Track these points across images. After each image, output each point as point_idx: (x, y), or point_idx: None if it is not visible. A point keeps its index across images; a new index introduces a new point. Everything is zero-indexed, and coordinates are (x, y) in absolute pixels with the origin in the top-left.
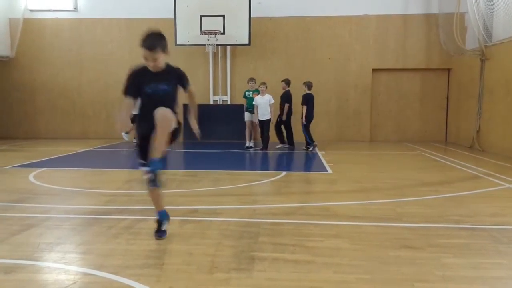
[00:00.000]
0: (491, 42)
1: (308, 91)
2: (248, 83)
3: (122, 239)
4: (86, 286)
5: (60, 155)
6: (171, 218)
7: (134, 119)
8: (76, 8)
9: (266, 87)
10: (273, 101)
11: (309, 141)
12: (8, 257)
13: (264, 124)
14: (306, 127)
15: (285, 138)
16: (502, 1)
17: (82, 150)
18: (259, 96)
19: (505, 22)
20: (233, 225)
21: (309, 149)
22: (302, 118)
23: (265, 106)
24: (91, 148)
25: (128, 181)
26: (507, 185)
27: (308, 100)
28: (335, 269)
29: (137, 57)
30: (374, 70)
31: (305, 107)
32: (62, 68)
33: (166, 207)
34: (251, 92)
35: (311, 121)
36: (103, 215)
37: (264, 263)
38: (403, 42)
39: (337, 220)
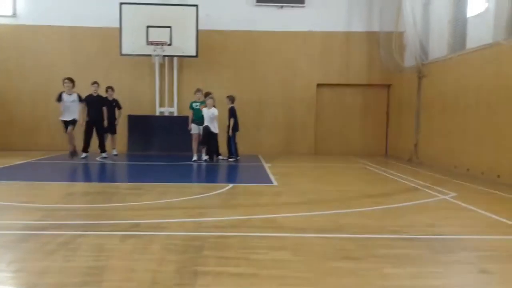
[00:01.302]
0: (427, 60)
1: (232, 105)
2: (195, 94)
3: (58, 256)
4: None
5: None
6: (111, 233)
7: None
8: (15, 14)
9: (214, 100)
10: (216, 113)
11: (233, 152)
12: None
13: (213, 136)
14: (233, 139)
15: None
16: (436, 22)
17: (19, 162)
18: (205, 109)
19: (439, 42)
20: (177, 239)
21: (230, 160)
22: (228, 130)
23: (210, 118)
24: (30, 160)
25: (67, 194)
26: (443, 197)
27: (233, 113)
28: (279, 281)
29: (80, 67)
30: (318, 85)
31: (232, 120)
32: (0, 77)
33: (106, 221)
34: (198, 104)
35: (236, 132)
36: (38, 231)
37: (207, 277)
38: (347, 58)
39: (282, 232)
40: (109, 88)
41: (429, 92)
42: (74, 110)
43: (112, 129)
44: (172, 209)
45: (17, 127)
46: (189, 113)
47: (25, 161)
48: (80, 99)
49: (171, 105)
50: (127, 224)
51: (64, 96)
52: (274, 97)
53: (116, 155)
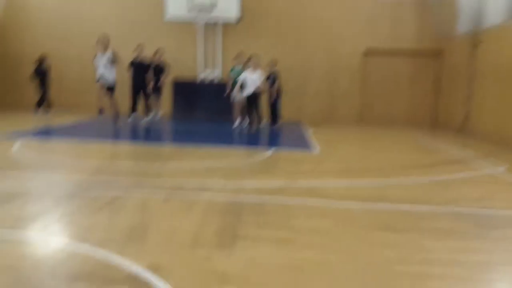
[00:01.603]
0: (483, 26)
1: (275, 68)
2: (235, 59)
3: (105, 213)
4: (67, 257)
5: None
6: (155, 194)
7: None
8: None
9: (259, 61)
10: (262, 76)
11: (277, 118)
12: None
13: (256, 100)
14: (279, 104)
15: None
16: None
17: (73, 121)
18: (249, 71)
19: (496, 6)
20: (218, 203)
21: (275, 126)
22: (272, 95)
23: (256, 82)
24: (82, 120)
25: (114, 154)
26: (492, 170)
27: (277, 77)
28: (316, 249)
29: (124, 34)
30: (365, 52)
31: (278, 82)
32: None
33: (150, 183)
34: (240, 69)
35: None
36: (88, 187)
37: (246, 241)
38: (396, 24)
39: (322, 201)
40: (158, 51)
41: (484, 60)
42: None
43: (157, 91)
44: (213, 172)
45: (66, 88)
46: (230, 79)
47: (78, 120)
48: (114, 58)
49: (215, 71)
50: (171, 184)
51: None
52: (318, 64)
53: (159, 118)
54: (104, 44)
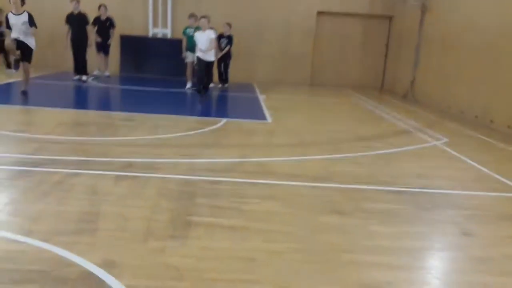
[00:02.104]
0: None
1: (230, 32)
2: (188, 18)
3: (52, 198)
4: (12, 255)
5: None
6: (105, 172)
7: None
8: None
9: (209, 21)
10: (212, 36)
11: (226, 79)
12: None
13: (209, 65)
14: (227, 66)
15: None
16: None
17: (10, 80)
18: (199, 32)
19: None
20: (171, 183)
21: (224, 86)
22: (225, 57)
23: (206, 43)
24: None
25: (59, 124)
26: (434, 142)
27: (232, 40)
28: (267, 236)
29: None
30: (319, 12)
31: (228, 47)
32: None
33: (99, 158)
34: (192, 30)
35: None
36: (32, 167)
37: (199, 229)
38: None
39: (273, 179)
40: (102, 6)
41: (432, 28)
42: (25, 34)
43: (105, 50)
44: (165, 147)
45: None
46: (183, 39)
47: (14, 80)
48: (31, 21)
49: (165, 27)
50: (120, 162)
51: (10, 16)
52: (272, 24)
53: (108, 76)
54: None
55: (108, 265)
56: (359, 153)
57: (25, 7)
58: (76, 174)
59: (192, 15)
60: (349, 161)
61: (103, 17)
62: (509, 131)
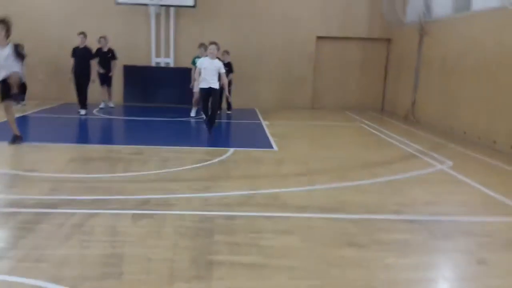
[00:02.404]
0: (430, 17)
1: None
2: (199, 48)
3: (75, 241)
4: None
5: None
6: (122, 211)
7: None
8: None
9: (218, 49)
10: (222, 68)
11: (231, 106)
12: None
13: (215, 92)
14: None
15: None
16: None
17: (16, 115)
18: (207, 58)
19: (444, 0)
20: (187, 219)
21: (228, 112)
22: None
23: (213, 72)
24: (25, 114)
25: (70, 160)
26: (439, 166)
27: (232, 67)
28: (288, 274)
29: (71, 16)
30: (318, 37)
31: (231, 75)
32: None
33: (115, 197)
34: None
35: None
36: (50, 209)
37: (222, 268)
38: (347, 11)
39: (286, 212)
40: (102, 38)
41: (430, 51)
42: (9, 68)
43: (107, 81)
44: (177, 181)
45: None
46: (192, 69)
47: (21, 114)
48: (18, 53)
49: (168, 56)
50: (136, 200)
51: None
52: (273, 49)
53: (112, 107)
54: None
55: None
56: (366, 181)
57: (30, 38)
58: (94, 215)
59: (202, 45)
60: (357, 189)
61: (104, 49)
62: None
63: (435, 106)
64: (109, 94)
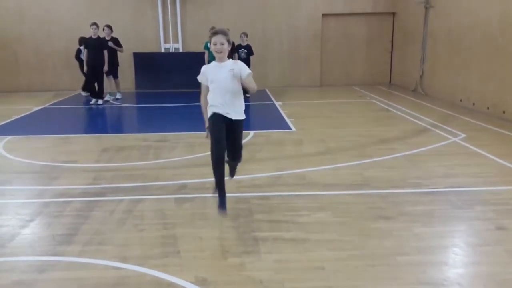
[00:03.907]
0: None
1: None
2: (210, 31)
3: (129, 225)
4: (121, 280)
5: (16, 116)
6: (165, 196)
7: None
8: None
9: (230, 43)
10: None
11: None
12: (31, 253)
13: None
14: None
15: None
16: None
17: (36, 108)
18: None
19: None
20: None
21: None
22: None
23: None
24: (46, 106)
25: (103, 150)
26: (453, 139)
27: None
28: (328, 246)
29: (81, 6)
30: (323, 14)
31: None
32: None
33: (154, 183)
34: None
35: None
36: (98, 197)
37: (267, 244)
38: None
39: (315, 190)
40: (106, 27)
41: (436, 23)
42: None
43: (112, 72)
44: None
45: (22, 66)
46: (205, 53)
47: (42, 107)
48: None
49: (176, 41)
50: (174, 185)
51: None
52: (279, 30)
53: (118, 99)
54: None
55: (202, 283)
56: (385, 157)
57: (40, 30)
58: (140, 200)
59: (213, 28)
60: (378, 165)
61: (107, 37)
62: None
63: (443, 78)
64: (116, 85)
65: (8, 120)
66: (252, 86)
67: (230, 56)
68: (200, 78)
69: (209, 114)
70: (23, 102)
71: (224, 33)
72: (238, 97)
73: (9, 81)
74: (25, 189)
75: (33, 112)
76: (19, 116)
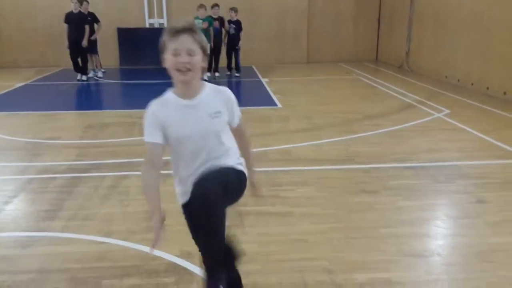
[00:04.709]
0: None
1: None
2: (197, 10)
3: (114, 201)
4: (105, 254)
5: None
6: None
7: None
8: None
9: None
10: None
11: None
12: (16, 229)
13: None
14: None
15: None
16: None
17: (19, 84)
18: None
19: None
20: None
21: (237, 75)
22: (237, 44)
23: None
24: (28, 82)
25: (88, 127)
26: (437, 115)
27: (241, 25)
28: (311, 219)
29: None
30: None
31: (242, 33)
32: None
33: (138, 159)
34: (201, 21)
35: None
36: (83, 173)
37: (251, 217)
38: None
39: (300, 165)
40: (84, 0)
41: (422, 1)
42: None
43: (91, 48)
44: None
45: (6, 42)
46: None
47: (24, 83)
48: None
49: (161, 17)
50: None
51: None
52: (265, 7)
53: (100, 77)
54: None
55: (186, 256)
56: (370, 132)
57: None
58: (124, 177)
59: (201, 6)
60: (364, 141)
61: (84, 12)
62: (505, 97)
63: (428, 55)
64: (97, 62)
65: None
66: (248, 136)
67: (220, 31)
68: (149, 134)
69: (180, 198)
70: (6, 79)
71: (193, 32)
72: (225, 140)
73: None
74: (8, 165)
75: (16, 88)
76: (1, 93)
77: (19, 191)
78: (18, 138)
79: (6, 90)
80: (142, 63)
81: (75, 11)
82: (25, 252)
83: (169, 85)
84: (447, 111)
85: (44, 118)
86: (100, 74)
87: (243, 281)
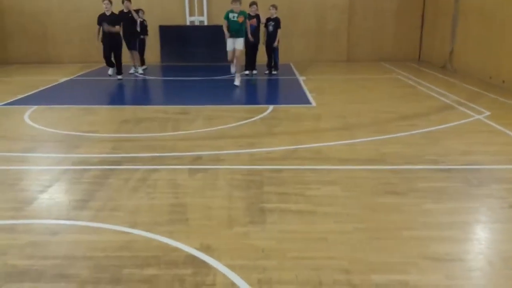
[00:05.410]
0: None
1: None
2: (231, 3)
3: (142, 193)
4: (128, 245)
5: (43, 87)
6: (179, 166)
7: None
8: None
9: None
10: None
11: (278, 65)
12: (47, 217)
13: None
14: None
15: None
16: None
17: (63, 79)
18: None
19: None
20: (237, 173)
21: (274, 73)
22: (274, 42)
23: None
24: (72, 77)
25: (124, 121)
26: (476, 116)
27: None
28: (334, 218)
29: None
30: None
31: (279, 31)
32: None
33: (170, 153)
34: (236, 15)
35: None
36: (115, 165)
37: (273, 215)
38: None
39: (329, 164)
40: (126, 0)
41: (467, 0)
42: None
43: (130, 44)
44: (224, 138)
45: (51, 39)
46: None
47: (68, 78)
48: None
49: (201, 14)
50: (189, 156)
51: None
52: (305, 3)
53: (141, 73)
54: None
55: (206, 249)
56: (405, 133)
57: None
58: (155, 170)
59: (235, 0)
60: (396, 141)
61: (125, 10)
62: None
63: (473, 55)
64: (136, 59)
65: (35, 91)
66: None
67: (257, 29)
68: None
69: None
70: (51, 73)
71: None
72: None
73: (39, 53)
74: (47, 156)
75: (60, 83)
76: (46, 87)
77: (54, 181)
78: (58, 131)
79: (51, 84)
80: (183, 60)
81: (107, 13)
82: (54, 239)
83: (207, 82)
84: (488, 113)
85: (84, 112)
86: (140, 71)
87: (258, 276)
